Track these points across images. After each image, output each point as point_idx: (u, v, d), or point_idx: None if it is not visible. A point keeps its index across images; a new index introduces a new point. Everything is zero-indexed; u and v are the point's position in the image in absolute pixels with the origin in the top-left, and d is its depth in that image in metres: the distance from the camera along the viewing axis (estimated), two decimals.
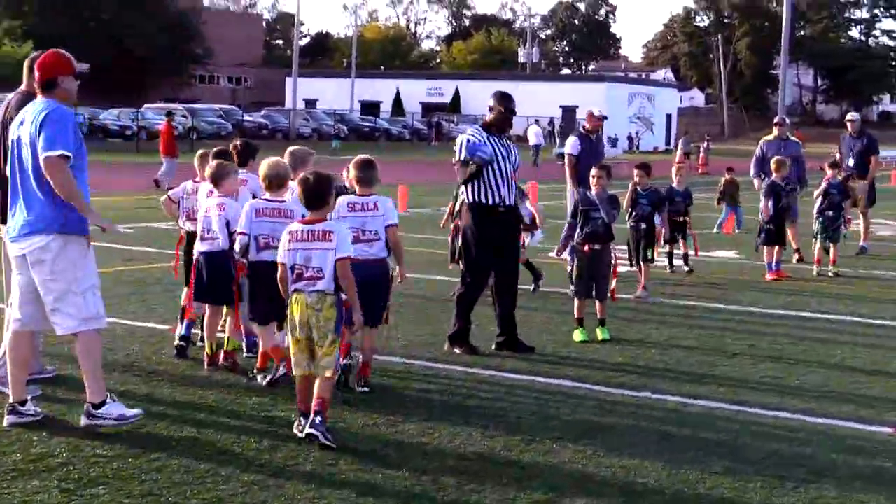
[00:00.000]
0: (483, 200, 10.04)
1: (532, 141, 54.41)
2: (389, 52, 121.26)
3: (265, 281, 8.09)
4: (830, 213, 16.07)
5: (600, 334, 10.75)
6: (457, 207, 12.86)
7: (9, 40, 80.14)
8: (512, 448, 7.13)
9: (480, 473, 6.56)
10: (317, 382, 7.14)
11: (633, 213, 13.88)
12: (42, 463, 6.45)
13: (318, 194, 7.25)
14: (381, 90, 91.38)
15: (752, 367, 9.82)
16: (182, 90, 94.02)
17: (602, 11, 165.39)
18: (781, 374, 9.56)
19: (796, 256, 16.97)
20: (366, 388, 8.47)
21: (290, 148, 9.69)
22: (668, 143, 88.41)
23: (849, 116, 19.41)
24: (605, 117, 15.02)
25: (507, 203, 10.08)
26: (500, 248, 10.14)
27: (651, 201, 13.90)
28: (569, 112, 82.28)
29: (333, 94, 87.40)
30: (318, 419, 7.04)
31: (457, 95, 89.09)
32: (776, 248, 15.53)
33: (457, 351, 9.95)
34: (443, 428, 7.52)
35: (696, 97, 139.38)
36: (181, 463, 6.54)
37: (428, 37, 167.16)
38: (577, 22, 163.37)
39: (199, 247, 9.11)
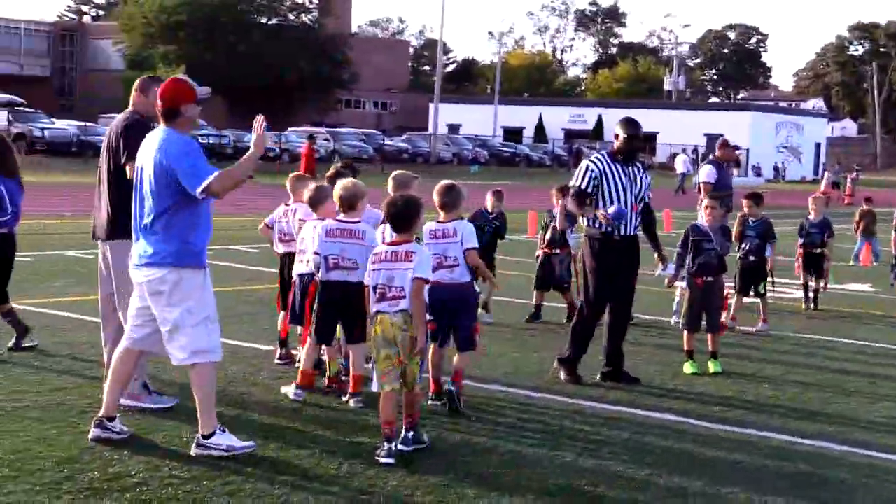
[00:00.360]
0: (602, 230, 9.71)
1: (679, 169, 53.60)
2: (534, 79, 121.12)
3: (331, 301, 8.44)
4: None
5: (712, 367, 10.36)
6: (547, 236, 13.10)
7: (163, 65, 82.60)
8: (598, 483, 6.84)
9: None
10: (405, 397, 7.31)
11: (742, 245, 13.31)
12: (118, 482, 6.38)
13: (405, 217, 7.37)
14: (524, 116, 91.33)
15: (870, 405, 9.32)
16: (328, 114, 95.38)
17: (753, 40, 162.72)
18: None
19: None
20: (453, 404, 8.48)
21: (394, 172, 9.61)
22: (816, 172, 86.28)
23: None
24: (738, 147, 14.79)
25: (626, 233, 9.71)
26: (616, 278, 9.77)
27: (759, 233, 13.27)
28: (713, 140, 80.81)
29: (477, 120, 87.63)
30: (409, 435, 7.29)
31: (599, 122, 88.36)
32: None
33: (562, 375, 9.72)
34: (531, 458, 7.28)
35: (848, 127, 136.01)
36: (255, 487, 6.41)
37: (574, 64, 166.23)
38: (726, 50, 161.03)
39: (297, 269, 9.06)
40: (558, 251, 13.00)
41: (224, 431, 7.06)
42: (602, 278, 9.73)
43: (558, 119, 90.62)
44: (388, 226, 7.82)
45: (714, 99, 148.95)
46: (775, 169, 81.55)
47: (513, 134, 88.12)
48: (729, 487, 6.85)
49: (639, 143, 9.91)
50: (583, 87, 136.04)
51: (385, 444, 7.12)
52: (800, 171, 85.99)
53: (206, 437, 7.00)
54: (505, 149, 75.39)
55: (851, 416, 8.89)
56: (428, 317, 7.47)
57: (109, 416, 7.24)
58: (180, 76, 7.22)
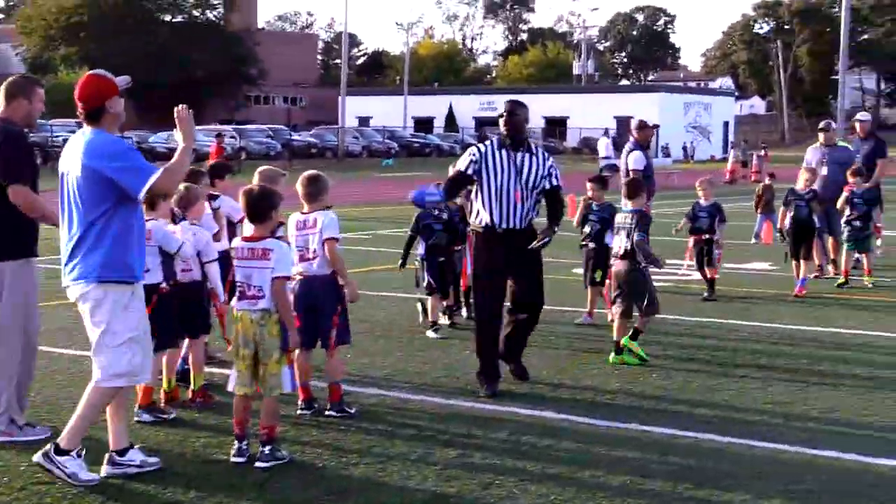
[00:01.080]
0: (479, 222, 9.14)
1: (602, 153, 51.28)
2: (444, 69, 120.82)
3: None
4: (857, 223, 15.22)
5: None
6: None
7: (65, 67, 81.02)
8: (467, 492, 6.46)
9: None
10: (263, 405, 6.98)
11: (584, 231, 12.34)
12: None
13: (261, 209, 7.06)
14: (435, 107, 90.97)
15: (760, 391, 9.07)
16: (237, 112, 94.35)
17: (661, 21, 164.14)
18: (788, 399, 8.79)
19: (814, 274, 15.54)
20: (334, 413, 8.15)
21: (260, 168, 9.23)
22: (725, 151, 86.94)
23: (858, 116, 17.89)
24: (657, 125, 14.63)
25: (509, 226, 9.00)
26: (507, 275, 9.15)
27: (601, 218, 12.07)
28: (623, 123, 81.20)
29: (387, 112, 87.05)
30: (266, 449, 6.91)
31: None
32: (801, 263, 14.61)
33: (481, 392, 8.94)
34: (394, 467, 6.90)
35: (757, 105, 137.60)
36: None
37: (484, 52, 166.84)
38: (635, 33, 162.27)
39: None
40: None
41: (80, 457, 6.52)
42: (485, 276, 9.14)
43: (469, 107, 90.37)
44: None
45: (624, 81, 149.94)
46: (684, 149, 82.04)
47: (423, 124, 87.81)
48: (606, 485, 6.54)
49: (518, 123, 9.04)
50: (493, 75, 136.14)
51: (235, 443, 6.98)
52: (709, 151, 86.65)
53: (57, 453, 6.46)
54: (415, 140, 74.98)
55: (739, 405, 8.62)
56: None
57: (119, 450, 6.69)
58: (94, 71, 6.60)
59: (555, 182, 9.20)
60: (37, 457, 6.52)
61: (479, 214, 9.11)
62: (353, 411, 8.20)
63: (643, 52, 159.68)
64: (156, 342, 7.32)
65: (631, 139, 14.47)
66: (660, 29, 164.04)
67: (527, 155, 9.06)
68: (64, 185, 6.47)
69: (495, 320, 9.19)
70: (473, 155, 9.09)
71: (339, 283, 8.26)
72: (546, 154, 9.27)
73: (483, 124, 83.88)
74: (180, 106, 6.56)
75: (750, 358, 10.40)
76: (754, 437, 7.69)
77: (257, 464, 6.83)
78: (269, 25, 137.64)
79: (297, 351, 8.02)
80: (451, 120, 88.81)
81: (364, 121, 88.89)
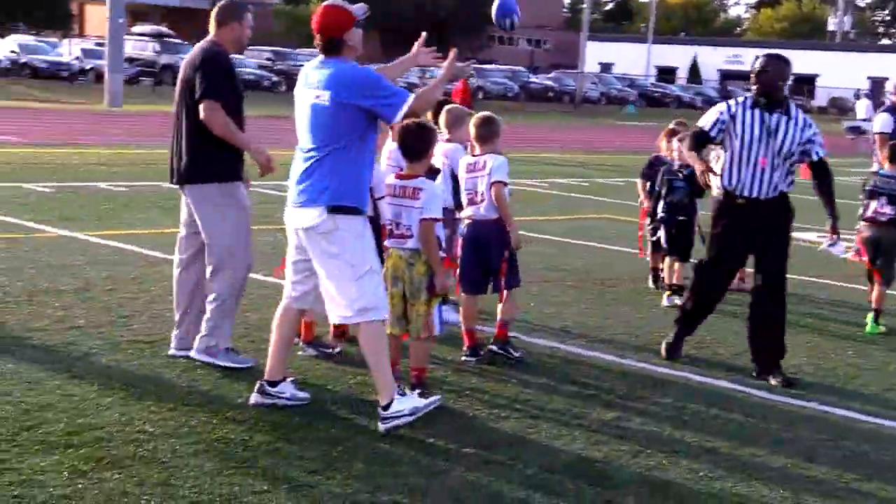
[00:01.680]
0: (719, 186, 8.28)
1: (860, 115, 48.46)
2: (692, 18, 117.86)
3: None
4: None
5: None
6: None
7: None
8: (614, 458, 6.18)
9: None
10: (411, 347, 6.92)
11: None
12: (77, 436, 6.00)
13: (416, 147, 6.88)
14: (679, 56, 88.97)
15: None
16: (481, 51, 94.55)
17: None
18: None
19: None
20: (495, 349, 8.07)
21: (448, 106, 8.99)
22: None
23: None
24: None
25: (754, 194, 8.01)
26: (746, 250, 8.29)
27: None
28: (878, 84, 77.51)
29: (630, 60, 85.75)
30: (415, 393, 6.69)
31: None
32: None
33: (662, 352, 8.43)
34: (545, 423, 6.66)
35: None
36: (226, 448, 5.96)
37: (737, 3, 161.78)
38: None
39: None
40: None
41: (405, 395, 6.46)
42: (716, 246, 8.25)
43: (714, 59, 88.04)
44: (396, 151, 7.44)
45: (885, 41, 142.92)
46: None
47: (666, 74, 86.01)
48: (762, 470, 6.13)
49: (770, 81, 7.94)
50: (744, 27, 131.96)
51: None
52: None
53: (386, 409, 6.32)
54: (656, 89, 73.41)
55: None
56: (441, 254, 6.92)
57: (271, 381, 6.69)
58: (331, 2, 6.40)
59: (820, 152, 8.05)
60: (381, 427, 6.30)
61: (721, 178, 8.18)
62: (517, 355, 8.03)
63: None
64: None
65: (888, 101, 13.63)
66: None
67: (783, 118, 7.95)
68: (304, 111, 6.32)
69: (713, 295, 8.37)
70: (721, 113, 8.13)
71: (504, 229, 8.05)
72: (808, 120, 8.04)
73: (727, 78, 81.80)
74: (453, 50, 6.51)
75: None
76: None
77: None
78: None
79: (462, 295, 7.93)
80: (694, 71, 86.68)
81: (606, 67, 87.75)
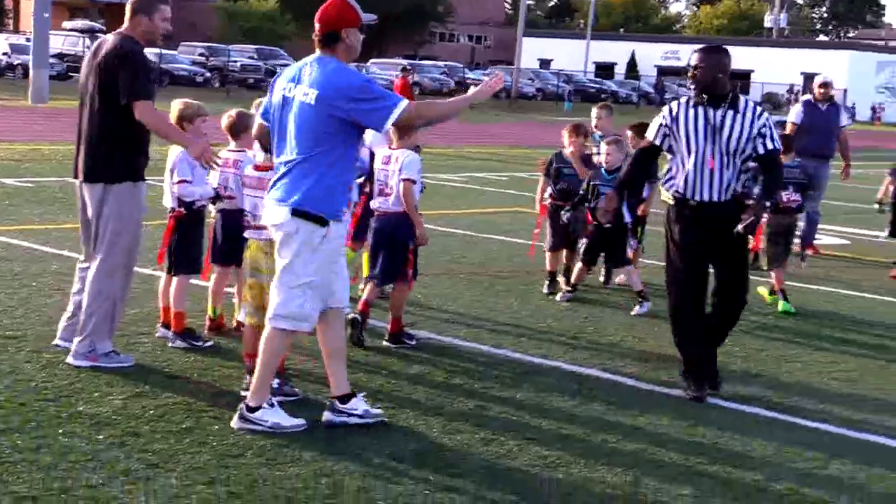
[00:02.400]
0: (671, 191, 7.66)
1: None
2: (631, 15, 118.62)
3: None
4: None
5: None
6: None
7: None
8: (464, 447, 6.19)
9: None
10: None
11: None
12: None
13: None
14: (617, 53, 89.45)
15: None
16: (422, 47, 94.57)
17: None
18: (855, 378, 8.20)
19: None
20: (391, 344, 8.26)
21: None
22: None
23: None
24: (828, 83, 14.23)
25: (702, 198, 7.47)
26: (702, 254, 7.61)
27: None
28: (810, 80, 78.44)
29: (569, 56, 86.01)
30: (275, 382, 6.66)
31: None
32: None
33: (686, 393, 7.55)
34: (406, 413, 6.66)
35: None
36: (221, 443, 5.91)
37: (677, 0, 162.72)
38: None
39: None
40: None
41: (273, 406, 6.31)
42: (677, 254, 7.62)
43: (652, 55, 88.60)
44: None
45: (822, 38, 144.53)
46: (872, 110, 78.75)
47: (605, 70, 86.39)
48: (613, 456, 6.18)
49: (705, 76, 7.37)
50: (683, 24, 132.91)
51: (246, 376, 6.82)
52: None
53: (250, 410, 6.26)
54: (591, 85, 73.69)
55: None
56: None
57: (341, 396, 6.45)
58: None
59: (770, 145, 7.44)
60: (235, 423, 6.24)
61: (670, 182, 7.66)
62: (413, 343, 8.18)
63: (846, 7, 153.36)
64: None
65: (809, 96, 14.44)
66: None
67: (729, 113, 7.38)
68: (287, 109, 6.14)
69: (691, 307, 7.59)
70: (663, 118, 7.62)
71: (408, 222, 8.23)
72: (758, 110, 7.46)
73: (664, 73, 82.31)
74: (500, 73, 6.31)
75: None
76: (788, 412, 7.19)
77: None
78: None
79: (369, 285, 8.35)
80: (632, 67, 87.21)
81: (545, 63, 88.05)
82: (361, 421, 6.36)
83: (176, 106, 7.85)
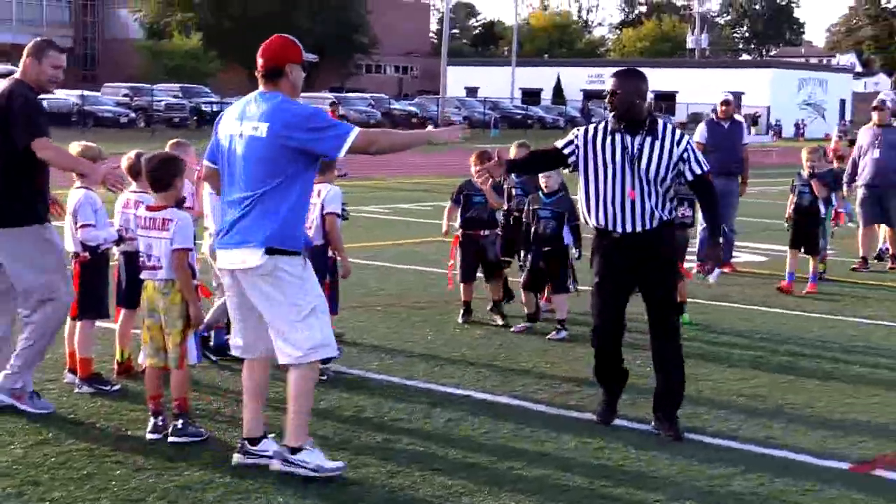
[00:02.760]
0: (592, 221, 7.42)
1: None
2: (555, 40, 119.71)
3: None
4: None
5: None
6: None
7: (178, 32, 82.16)
8: (369, 481, 6.19)
9: None
10: (171, 378, 6.83)
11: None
12: None
13: (161, 177, 6.84)
14: (543, 78, 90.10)
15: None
16: (349, 80, 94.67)
17: None
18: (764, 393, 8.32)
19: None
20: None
21: (172, 140, 8.93)
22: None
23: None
24: (729, 101, 14.61)
25: (625, 230, 7.22)
26: (627, 283, 7.38)
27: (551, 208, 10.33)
28: (734, 99, 79.56)
29: (495, 83, 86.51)
30: (179, 423, 6.75)
31: None
32: (796, 253, 13.13)
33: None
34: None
35: (883, 82, 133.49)
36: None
37: (600, 24, 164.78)
38: (757, 7, 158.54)
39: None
40: (486, 232, 10.69)
41: (314, 448, 6.30)
42: (599, 284, 7.41)
43: (577, 80, 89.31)
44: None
45: (745, 57, 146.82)
46: (796, 126, 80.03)
47: (531, 96, 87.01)
48: (517, 483, 6.20)
49: (623, 101, 7.15)
50: (606, 48, 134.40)
51: (151, 419, 6.83)
52: (823, 129, 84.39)
53: (293, 453, 6.21)
54: (517, 111, 74.16)
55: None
56: (195, 282, 6.88)
57: (251, 438, 6.42)
58: (285, 35, 6.22)
59: (697, 170, 7.17)
60: (276, 466, 6.19)
61: (589, 214, 7.40)
62: (324, 378, 8.01)
63: (766, 26, 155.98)
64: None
65: (712, 115, 14.71)
66: (784, 3, 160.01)
67: (647, 139, 7.11)
68: (236, 146, 6.12)
69: (609, 336, 7.47)
70: (577, 137, 7.35)
71: (331, 255, 8.43)
72: (677, 135, 7.16)
73: (591, 97, 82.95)
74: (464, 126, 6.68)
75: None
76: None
77: (170, 439, 6.69)
78: None
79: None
80: (558, 92, 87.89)
81: (472, 91, 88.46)
82: (313, 474, 6.15)
83: (75, 148, 7.80)
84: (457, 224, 10.83)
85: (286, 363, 6.19)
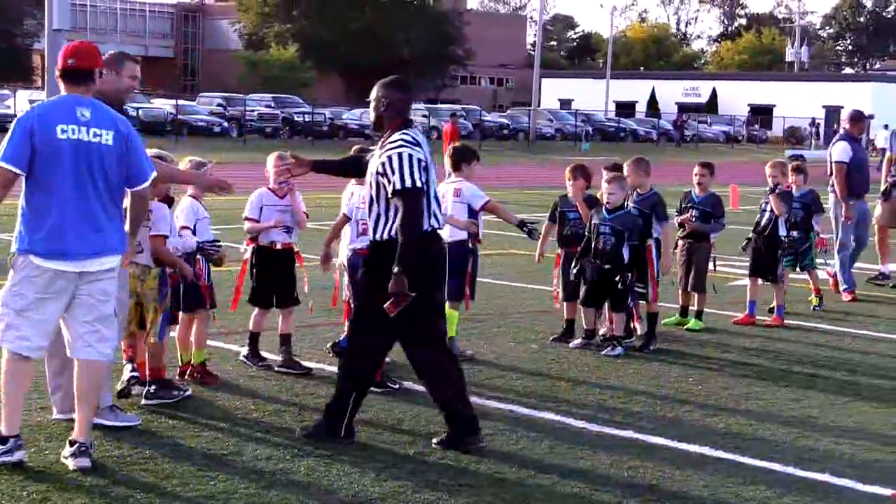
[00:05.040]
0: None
1: (879, 144, 44.77)
2: (652, 53, 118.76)
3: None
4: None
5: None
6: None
7: (275, 44, 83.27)
8: None
9: None
10: (147, 350, 7.67)
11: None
12: None
13: None
14: (638, 91, 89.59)
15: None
16: (443, 91, 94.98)
17: (890, 8, 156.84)
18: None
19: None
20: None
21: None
22: None
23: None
24: (871, 116, 14.00)
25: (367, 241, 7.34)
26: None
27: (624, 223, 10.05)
28: (833, 113, 78.31)
29: (589, 95, 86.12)
30: (152, 388, 7.66)
31: (713, 95, 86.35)
32: (756, 280, 11.68)
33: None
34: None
35: None
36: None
37: (698, 37, 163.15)
38: (861, 20, 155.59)
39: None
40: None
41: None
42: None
43: (672, 92, 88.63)
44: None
45: (848, 70, 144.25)
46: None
47: (625, 108, 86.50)
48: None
49: (378, 111, 6.96)
50: (704, 61, 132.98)
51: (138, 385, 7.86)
52: None
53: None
54: (610, 124, 73.61)
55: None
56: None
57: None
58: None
59: (390, 185, 6.73)
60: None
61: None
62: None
63: (869, 40, 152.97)
64: None
65: (842, 130, 13.99)
66: (889, 16, 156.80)
67: (376, 149, 7.05)
68: (81, 151, 6.19)
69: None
70: (417, 155, 6.89)
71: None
72: (392, 143, 6.81)
73: (685, 110, 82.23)
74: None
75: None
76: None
77: (142, 402, 7.64)
78: (482, 6, 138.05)
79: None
80: (652, 104, 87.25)
81: (566, 103, 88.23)
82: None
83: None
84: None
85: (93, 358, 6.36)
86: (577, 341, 10.19)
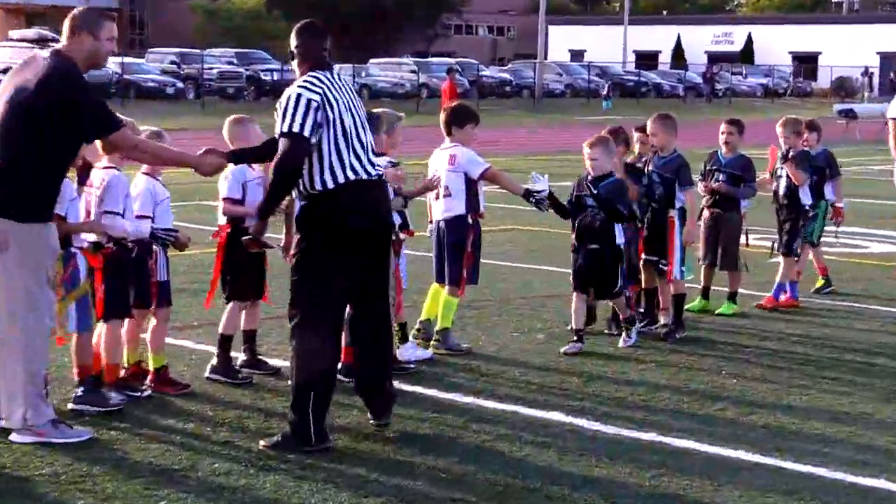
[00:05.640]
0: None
1: None
2: None
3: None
4: None
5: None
6: None
7: None
8: None
9: None
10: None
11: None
12: None
13: None
14: (661, 39, 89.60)
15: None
16: (435, 42, 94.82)
17: None
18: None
19: None
20: None
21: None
22: None
23: None
24: None
25: None
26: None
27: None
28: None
29: (604, 45, 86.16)
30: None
31: (749, 42, 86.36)
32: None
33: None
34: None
35: None
36: None
37: None
38: None
39: None
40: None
41: None
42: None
43: (701, 40, 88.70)
44: None
45: None
46: None
47: (646, 59, 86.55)
48: None
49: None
50: (737, 2, 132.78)
51: None
52: None
53: None
54: (628, 77, 73.38)
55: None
56: None
57: None
58: None
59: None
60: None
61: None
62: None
63: None
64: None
65: None
66: None
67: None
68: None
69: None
70: (312, 101, 7.21)
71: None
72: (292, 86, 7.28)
73: (715, 60, 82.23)
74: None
75: None
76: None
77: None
78: None
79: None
80: (678, 55, 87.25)
81: (577, 55, 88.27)
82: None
83: None
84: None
85: None
86: (567, 346, 9.73)
